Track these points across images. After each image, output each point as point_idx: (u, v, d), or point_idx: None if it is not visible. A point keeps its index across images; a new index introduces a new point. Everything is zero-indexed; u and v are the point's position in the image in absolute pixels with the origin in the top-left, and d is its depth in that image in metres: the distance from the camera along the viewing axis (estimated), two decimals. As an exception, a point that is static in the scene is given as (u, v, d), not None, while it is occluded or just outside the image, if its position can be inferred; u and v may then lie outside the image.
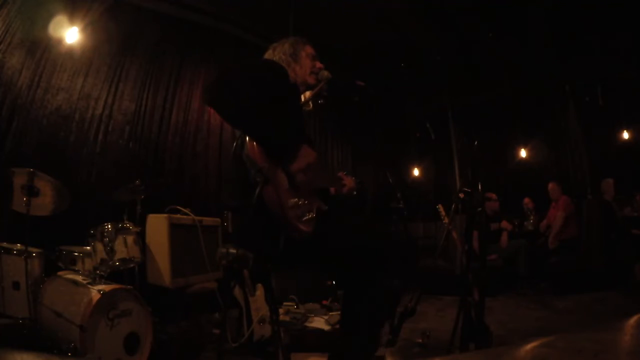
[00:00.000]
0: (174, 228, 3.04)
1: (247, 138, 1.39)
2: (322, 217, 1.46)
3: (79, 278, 2.28)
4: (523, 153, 6.31)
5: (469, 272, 2.36)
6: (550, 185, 5.16)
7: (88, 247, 2.52)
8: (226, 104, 1.36)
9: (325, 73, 1.76)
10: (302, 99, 1.75)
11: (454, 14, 4.87)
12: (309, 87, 1.76)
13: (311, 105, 1.76)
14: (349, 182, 1.76)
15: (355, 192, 1.80)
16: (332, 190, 1.73)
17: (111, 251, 2.45)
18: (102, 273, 2.35)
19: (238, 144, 1.47)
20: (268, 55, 1.75)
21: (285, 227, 1.34)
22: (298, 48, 1.72)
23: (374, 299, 1.37)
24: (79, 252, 2.57)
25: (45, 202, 2.47)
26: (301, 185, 1.40)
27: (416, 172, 7.21)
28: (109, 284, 2.23)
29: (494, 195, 5.04)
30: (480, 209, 2.44)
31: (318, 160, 1.49)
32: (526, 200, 5.38)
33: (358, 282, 1.38)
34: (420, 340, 2.61)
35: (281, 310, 3.02)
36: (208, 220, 3.31)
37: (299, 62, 1.71)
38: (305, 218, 1.37)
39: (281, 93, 1.49)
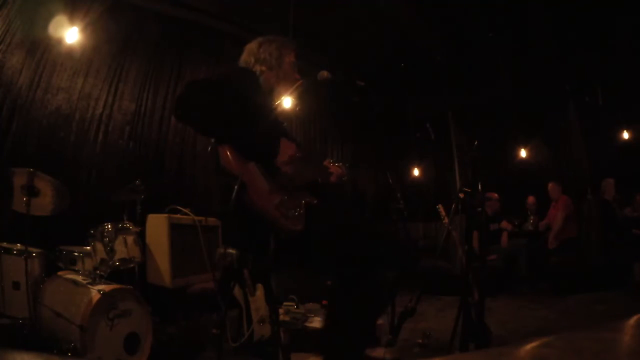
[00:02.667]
0: (174, 228, 3.03)
1: (219, 147, 1.40)
2: (313, 211, 1.45)
3: (79, 278, 2.28)
4: (523, 153, 6.31)
5: (469, 272, 2.36)
6: (550, 185, 5.16)
7: (88, 247, 2.52)
8: (193, 116, 1.39)
9: (325, 73, 1.75)
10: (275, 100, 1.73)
11: (454, 14, 4.86)
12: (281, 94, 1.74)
13: (282, 105, 1.73)
14: (335, 169, 1.73)
15: (344, 178, 1.77)
16: (319, 180, 1.72)
17: (111, 251, 2.45)
18: (102, 273, 2.35)
19: (211, 152, 1.47)
20: (251, 48, 1.73)
21: (274, 228, 1.34)
22: (284, 53, 1.70)
23: (365, 295, 1.37)
24: (79, 252, 2.56)
25: (45, 202, 2.47)
26: (286, 181, 1.40)
27: (416, 172, 7.21)
28: (109, 284, 2.24)
29: (495, 195, 5.05)
30: (480, 209, 2.45)
31: (300, 153, 1.49)
32: (530, 199, 5.37)
33: (350, 278, 1.37)
34: (420, 340, 2.61)
35: (281, 310, 3.01)
36: (208, 220, 3.31)
37: (281, 67, 1.69)
38: (292, 215, 1.37)
39: (250, 97, 1.49)
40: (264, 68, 1.67)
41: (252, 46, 1.73)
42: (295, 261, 1.52)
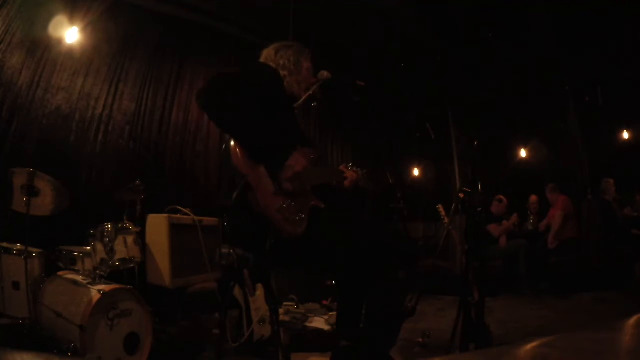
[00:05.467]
0: (174, 228, 3.03)
1: (232, 144, 1.39)
2: (318, 215, 1.45)
3: (79, 278, 2.28)
4: (523, 153, 6.31)
5: (469, 272, 2.36)
6: (548, 194, 5.15)
7: (88, 247, 2.52)
8: (218, 108, 1.36)
9: (325, 73, 1.75)
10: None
11: (454, 14, 4.86)
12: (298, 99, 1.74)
13: (300, 109, 1.74)
14: (350, 175, 1.73)
15: (360, 184, 1.77)
16: (333, 183, 1.71)
17: (111, 251, 2.45)
18: (102, 273, 2.35)
19: (224, 150, 1.46)
20: (269, 54, 1.73)
21: (273, 230, 1.34)
22: (301, 59, 1.71)
23: (374, 297, 1.37)
24: (79, 252, 2.56)
25: (45, 202, 2.47)
26: (297, 184, 1.40)
27: (416, 172, 7.21)
28: (109, 284, 2.23)
29: (503, 198, 5.06)
30: (480, 208, 2.45)
31: (309, 166, 1.49)
32: (533, 198, 5.36)
33: (356, 281, 1.37)
34: (420, 340, 2.61)
35: (281, 310, 3.01)
36: (208, 220, 3.31)
37: (300, 73, 1.70)
38: (293, 220, 1.37)
39: (274, 98, 1.49)
40: (285, 73, 1.67)
41: (269, 52, 1.73)
42: (294, 262, 1.52)
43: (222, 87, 1.37)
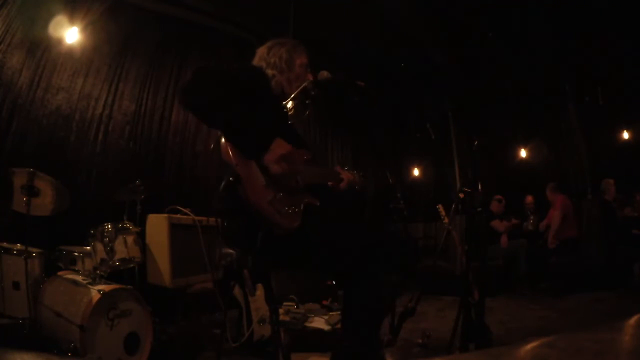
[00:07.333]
0: (174, 228, 3.03)
1: (222, 141, 1.38)
2: (314, 212, 1.43)
3: (79, 278, 2.28)
4: (523, 153, 6.31)
5: (469, 272, 2.36)
6: (547, 193, 5.16)
7: (88, 247, 2.52)
8: (200, 102, 1.35)
9: (325, 73, 1.75)
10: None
11: (455, 14, 4.87)
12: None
13: (293, 107, 1.73)
14: (346, 176, 1.71)
15: (356, 186, 1.75)
16: (329, 185, 1.70)
17: (111, 251, 2.45)
18: (102, 273, 2.35)
19: (214, 147, 1.46)
20: (262, 53, 1.71)
21: (266, 223, 1.32)
22: (294, 56, 1.69)
23: (371, 296, 1.36)
24: (79, 252, 2.57)
25: (45, 202, 2.47)
26: (280, 178, 1.39)
27: (416, 172, 7.21)
28: (109, 284, 2.24)
29: (502, 198, 5.07)
30: (480, 208, 2.45)
31: (309, 155, 1.48)
32: (529, 198, 5.37)
33: (354, 279, 1.37)
34: (420, 340, 2.61)
35: (281, 310, 3.01)
36: (208, 220, 3.31)
37: (292, 70, 1.68)
38: (286, 212, 1.35)
39: (259, 98, 1.49)
40: (274, 72, 1.65)
41: (262, 50, 1.72)
42: (289, 260, 1.50)
43: (208, 81, 1.35)
